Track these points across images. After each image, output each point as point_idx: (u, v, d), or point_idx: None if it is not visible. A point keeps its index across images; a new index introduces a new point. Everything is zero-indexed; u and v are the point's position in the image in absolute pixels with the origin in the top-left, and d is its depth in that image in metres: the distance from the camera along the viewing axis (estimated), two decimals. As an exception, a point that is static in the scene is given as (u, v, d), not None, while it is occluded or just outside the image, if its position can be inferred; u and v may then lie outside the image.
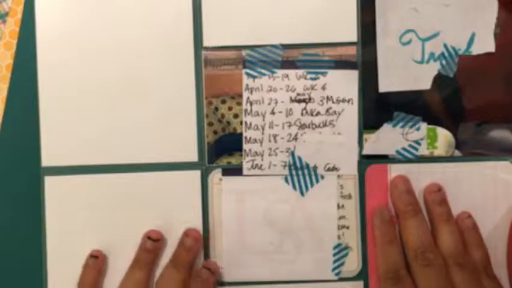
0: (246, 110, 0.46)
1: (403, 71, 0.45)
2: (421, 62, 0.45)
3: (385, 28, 0.45)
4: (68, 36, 0.46)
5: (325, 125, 0.46)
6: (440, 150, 0.46)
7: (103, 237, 0.46)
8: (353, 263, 0.46)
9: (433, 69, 0.45)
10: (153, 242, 0.44)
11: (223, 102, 0.46)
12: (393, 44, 0.45)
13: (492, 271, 0.44)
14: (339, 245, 0.46)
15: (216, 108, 0.46)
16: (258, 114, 0.46)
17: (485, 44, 0.45)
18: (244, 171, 0.46)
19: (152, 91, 0.46)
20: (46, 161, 0.46)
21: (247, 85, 0.46)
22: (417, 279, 0.42)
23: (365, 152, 0.46)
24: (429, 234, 0.43)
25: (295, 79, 0.46)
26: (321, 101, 0.46)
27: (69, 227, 0.46)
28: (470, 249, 0.44)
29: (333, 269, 0.46)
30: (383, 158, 0.46)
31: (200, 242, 0.45)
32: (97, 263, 0.45)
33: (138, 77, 0.46)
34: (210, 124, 0.46)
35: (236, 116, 0.46)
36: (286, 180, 0.46)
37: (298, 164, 0.46)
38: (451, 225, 0.43)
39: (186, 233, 0.45)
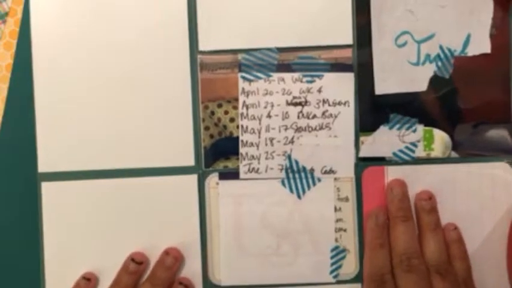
0: (242, 114, 0.46)
1: (399, 73, 0.45)
2: (417, 64, 0.45)
3: (380, 30, 0.45)
4: (63, 42, 0.46)
5: (321, 127, 0.46)
6: (436, 152, 0.46)
7: (100, 242, 0.46)
8: (350, 266, 0.46)
9: (429, 70, 0.45)
10: (136, 265, 0.44)
11: (219, 106, 0.46)
12: (388, 46, 0.45)
13: (473, 285, 0.44)
14: (336, 247, 0.46)
15: (212, 112, 0.46)
16: (254, 118, 0.46)
17: (481, 45, 0.45)
18: (241, 175, 0.46)
19: (148, 95, 0.46)
20: (43, 166, 0.46)
21: (243, 89, 0.46)
22: (399, 284, 0.42)
23: (362, 154, 0.46)
24: (416, 241, 0.44)
25: (291, 82, 0.46)
26: (317, 103, 0.46)
27: (66, 233, 0.46)
28: (454, 261, 0.44)
29: (331, 272, 0.46)
30: (380, 160, 0.46)
31: (180, 261, 0.45)
32: (88, 286, 0.45)
33: (134, 82, 0.46)
34: (206, 128, 0.46)
35: (232, 119, 0.46)
36: (283, 183, 0.46)
37: (295, 167, 0.46)
38: (437, 234, 0.44)
39: (167, 251, 0.45)
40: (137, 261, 0.44)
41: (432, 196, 0.45)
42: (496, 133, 0.46)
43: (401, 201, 0.44)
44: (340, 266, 0.46)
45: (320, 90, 0.46)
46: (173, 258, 0.45)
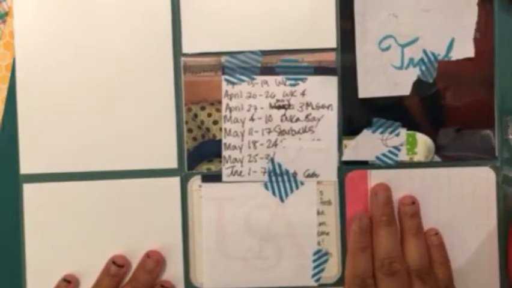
0: (225, 117, 0.46)
1: (383, 77, 0.45)
2: (400, 68, 0.45)
3: (364, 34, 0.45)
4: (46, 44, 0.46)
5: (305, 131, 0.46)
6: (419, 156, 0.46)
7: (82, 244, 0.46)
8: (333, 269, 0.46)
9: (413, 74, 0.45)
10: (117, 268, 0.44)
11: (203, 108, 0.46)
12: (372, 50, 0.45)
13: None
14: (319, 251, 0.46)
15: (196, 115, 0.46)
16: (237, 121, 0.45)
17: (465, 49, 0.45)
18: (224, 178, 0.46)
19: (131, 98, 0.46)
20: (25, 168, 0.46)
21: (226, 91, 0.46)
22: None
23: (345, 158, 0.46)
24: (398, 246, 0.44)
25: (274, 85, 0.45)
26: (301, 107, 0.46)
27: (48, 234, 0.45)
28: (435, 266, 0.44)
29: (313, 275, 0.46)
30: (363, 164, 0.46)
31: (161, 264, 0.45)
32: None
33: (117, 84, 0.46)
34: (190, 131, 0.46)
35: (215, 122, 0.46)
36: (266, 186, 0.46)
37: (278, 170, 0.46)
38: (418, 239, 0.44)
39: (148, 254, 0.45)
40: (118, 264, 0.44)
41: (415, 201, 0.45)
42: (480, 137, 0.46)
43: (386, 205, 0.44)
44: (322, 270, 0.46)
45: (303, 94, 0.45)
46: (154, 262, 0.44)
